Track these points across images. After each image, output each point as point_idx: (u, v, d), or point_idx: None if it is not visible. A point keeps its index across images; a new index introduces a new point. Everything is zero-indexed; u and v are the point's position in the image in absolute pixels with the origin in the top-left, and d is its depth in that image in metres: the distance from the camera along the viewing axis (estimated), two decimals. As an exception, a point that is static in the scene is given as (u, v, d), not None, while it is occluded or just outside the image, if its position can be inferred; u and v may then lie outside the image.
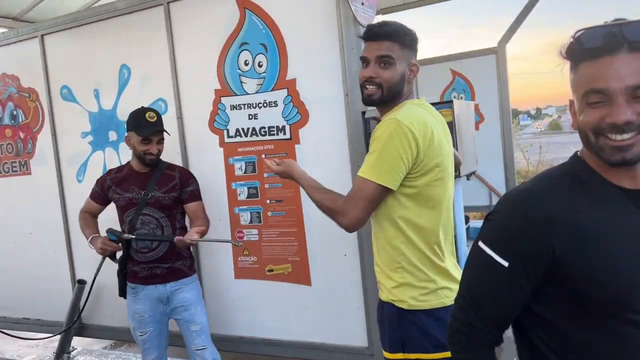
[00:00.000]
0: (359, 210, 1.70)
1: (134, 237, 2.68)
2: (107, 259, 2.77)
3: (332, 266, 2.88)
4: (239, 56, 3.00)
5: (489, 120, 7.06)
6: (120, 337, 3.82)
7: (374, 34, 1.78)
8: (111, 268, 3.03)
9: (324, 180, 2.14)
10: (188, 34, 3.16)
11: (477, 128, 7.19)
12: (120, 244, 2.70)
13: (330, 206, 1.78)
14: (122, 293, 2.83)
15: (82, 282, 3.66)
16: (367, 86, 1.79)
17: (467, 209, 7.30)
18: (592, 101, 0.99)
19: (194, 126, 3.18)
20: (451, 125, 2.43)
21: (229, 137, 3.06)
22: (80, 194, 3.69)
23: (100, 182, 2.89)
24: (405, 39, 1.77)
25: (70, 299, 3.67)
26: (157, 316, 2.80)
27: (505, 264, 1.04)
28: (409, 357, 1.72)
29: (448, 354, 1.68)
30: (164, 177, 2.77)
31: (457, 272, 1.81)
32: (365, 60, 1.80)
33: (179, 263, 2.79)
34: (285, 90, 2.89)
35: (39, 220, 3.88)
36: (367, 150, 1.76)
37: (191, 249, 2.87)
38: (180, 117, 3.21)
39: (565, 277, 1.02)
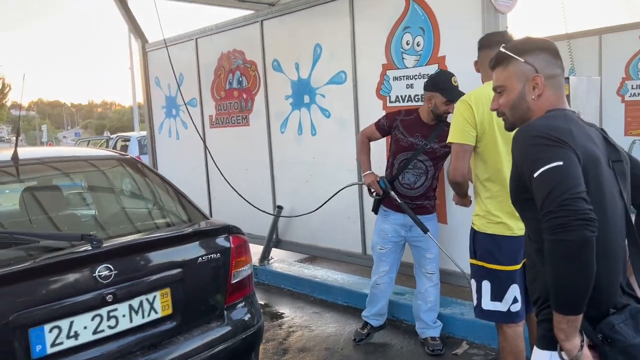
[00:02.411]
0: (452, 165, 2.52)
1: (399, 202, 3.27)
2: (364, 187, 3.59)
3: (465, 209, 3.53)
4: (402, 37, 3.77)
5: (680, 91, 6.63)
6: (304, 251, 5.04)
7: None
8: (304, 196, 4.13)
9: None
10: (365, 20, 4.03)
11: (659, 101, 6.83)
12: (382, 192, 3.33)
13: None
14: (375, 210, 3.51)
15: (280, 208, 4.91)
16: None
17: None
18: None
19: (365, 93, 4.08)
20: (567, 98, 2.91)
21: (390, 102, 3.89)
22: (281, 142, 4.92)
23: (390, 118, 3.35)
24: None
25: (272, 219, 4.95)
26: (397, 238, 3.42)
27: None
28: (477, 262, 2.49)
29: (498, 267, 2.39)
30: (444, 133, 3.01)
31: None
32: None
33: (426, 202, 3.36)
34: (437, 65, 3.60)
35: (252, 160, 5.22)
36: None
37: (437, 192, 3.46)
38: (355, 86, 4.13)
39: None
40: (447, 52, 3.54)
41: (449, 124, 3.33)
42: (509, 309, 2.44)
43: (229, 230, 2.57)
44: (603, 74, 6.89)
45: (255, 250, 5.38)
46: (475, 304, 2.54)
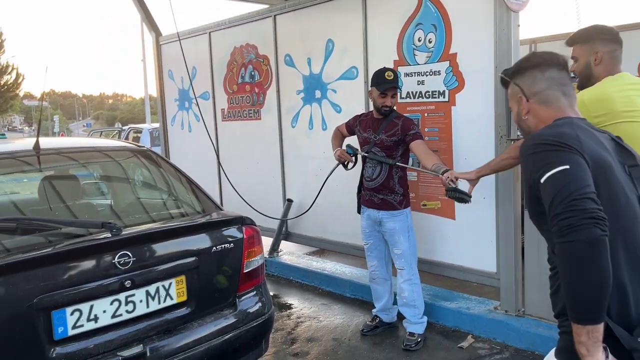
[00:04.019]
0: None
1: (366, 154, 3.41)
2: (341, 166, 3.62)
3: (472, 206, 3.55)
4: (414, 34, 3.81)
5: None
6: (312, 244, 5.11)
7: None
8: (314, 190, 4.19)
9: (471, 135, 3.20)
10: (377, 16, 4.06)
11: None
12: (353, 157, 3.52)
13: None
14: (359, 210, 3.62)
15: (290, 201, 4.97)
16: None
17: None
18: None
19: (377, 88, 4.12)
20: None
21: (401, 98, 3.92)
22: (292, 136, 4.97)
23: (354, 118, 3.66)
24: None
25: (281, 211, 5.02)
26: (374, 233, 3.55)
27: None
28: None
29: None
30: (390, 124, 3.36)
31: None
32: None
33: (390, 197, 3.41)
34: (448, 62, 3.64)
35: (264, 154, 5.29)
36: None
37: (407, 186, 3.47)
38: (366, 82, 4.17)
39: None
40: (458, 49, 3.58)
41: (400, 115, 3.42)
42: None
43: (242, 221, 2.64)
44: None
45: (265, 243, 5.45)
46: None
